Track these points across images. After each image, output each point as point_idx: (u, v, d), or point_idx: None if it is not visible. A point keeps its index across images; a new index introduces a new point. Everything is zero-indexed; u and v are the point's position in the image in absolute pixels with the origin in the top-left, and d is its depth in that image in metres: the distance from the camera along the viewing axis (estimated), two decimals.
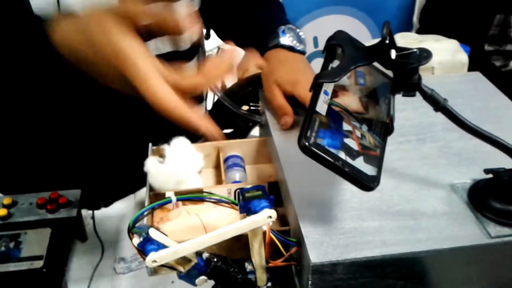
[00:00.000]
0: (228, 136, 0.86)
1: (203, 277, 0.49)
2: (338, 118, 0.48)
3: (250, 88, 0.79)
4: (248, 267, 0.52)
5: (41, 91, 0.75)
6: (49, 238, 0.63)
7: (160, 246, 0.45)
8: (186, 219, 0.61)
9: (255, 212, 0.47)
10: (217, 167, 0.76)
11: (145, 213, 0.51)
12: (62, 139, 0.81)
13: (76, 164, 0.81)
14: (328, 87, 0.49)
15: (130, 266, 0.69)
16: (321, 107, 0.47)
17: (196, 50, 0.84)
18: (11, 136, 0.84)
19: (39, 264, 0.60)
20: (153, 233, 0.46)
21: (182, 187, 0.64)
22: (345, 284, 0.49)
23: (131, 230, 0.46)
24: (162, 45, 0.78)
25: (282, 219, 0.61)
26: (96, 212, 0.79)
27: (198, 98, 0.97)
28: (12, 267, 0.60)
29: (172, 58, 0.80)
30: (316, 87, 0.49)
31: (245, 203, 0.49)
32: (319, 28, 0.75)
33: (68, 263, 0.62)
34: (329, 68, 0.51)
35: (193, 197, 0.54)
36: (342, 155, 0.44)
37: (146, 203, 0.61)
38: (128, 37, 0.43)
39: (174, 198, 0.52)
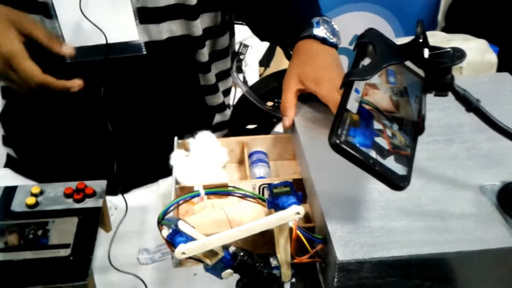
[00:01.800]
0: (252, 132, 0.86)
1: (229, 271, 0.50)
2: (369, 116, 0.48)
3: (275, 84, 0.79)
4: (273, 262, 0.52)
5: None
6: (76, 227, 0.65)
7: (189, 239, 0.46)
8: (211, 212, 0.62)
9: (283, 208, 0.47)
10: (241, 162, 0.76)
11: (171, 207, 0.51)
12: (90, 129, 0.82)
13: (101, 153, 0.82)
14: (359, 85, 0.49)
15: (153, 257, 0.70)
16: (352, 105, 0.47)
17: (208, 37, 0.84)
18: (42, 127, 0.86)
19: (66, 252, 0.61)
20: (182, 225, 0.46)
21: (207, 181, 0.65)
22: (371, 283, 0.49)
23: (160, 222, 0.47)
24: (176, 27, 0.79)
25: (305, 216, 0.61)
26: (119, 203, 0.81)
27: (225, 92, 0.98)
28: (40, 254, 0.61)
29: (184, 41, 0.80)
30: (347, 85, 0.49)
31: (273, 199, 0.49)
32: (342, 26, 0.75)
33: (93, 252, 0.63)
34: (360, 66, 0.51)
35: (220, 191, 0.55)
36: (373, 153, 0.44)
37: (173, 196, 0.61)
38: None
39: (202, 192, 0.52)
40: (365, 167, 0.44)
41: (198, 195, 0.52)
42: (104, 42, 0.73)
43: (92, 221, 0.66)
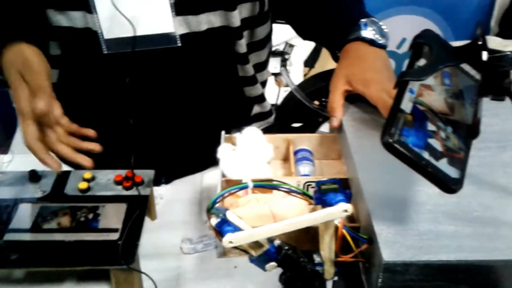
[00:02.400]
0: (297, 130, 0.86)
1: (273, 263, 0.50)
2: (423, 117, 0.47)
3: (323, 83, 0.79)
4: (317, 259, 0.52)
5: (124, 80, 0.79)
6: (125, 213, 0.67)
7: (236, 229, 0.47)
8: (256, 206, 0.63)
9: (330, 204, 0.48)
10: (285, 159, 0.77)
11: (220, 197, 0.52)
12: (127, 122, 0.84)
13: (149, 143, 0.84)
14: (414, 85, 0.49)
15: (196, 247, 0.71)
16: (406, 105, 0.47)
17: (246, 27, 0.84)
18: (89, 120, 0.89)
19: (115, 236, 0.64)
20: (230, 215, 0.47)
21: (252, 176, 0.65)
22: (416, 286, 0.48)
23: (209, 211, 0.48)
24: (215, 18, 0.79)
25: (349, 216, 0.61)
26: (164, 193, 0.83)
27: (263, 84, 0.98)
28: (90, 236, 0.64)
29: (223, 32, 0.81)
30: (401, 85, 0.48)
31: (320, 195, 0.49)
32: (391, 29, 0.74)
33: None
34: (415, 66, 0.50)
35: (267, 184, 0.55)
36: (425, 155, 0.44)
37: (219, 189, 0.63)
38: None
39: (251, 184, 0.53)
40: (417, 168, 0.43)
41: (246, 187, 0.53)
42: (139, 34, 0.75)
43: (140, 208, 0.68)
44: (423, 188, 0.54)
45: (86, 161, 0.67)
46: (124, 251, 0.62)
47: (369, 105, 0.68)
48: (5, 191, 0.70)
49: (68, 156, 0.66)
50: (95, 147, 0.68)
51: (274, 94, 1.41)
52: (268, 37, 0.93)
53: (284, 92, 1.13)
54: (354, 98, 0.71)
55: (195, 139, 0.87)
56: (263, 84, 0.98)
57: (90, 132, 0.69)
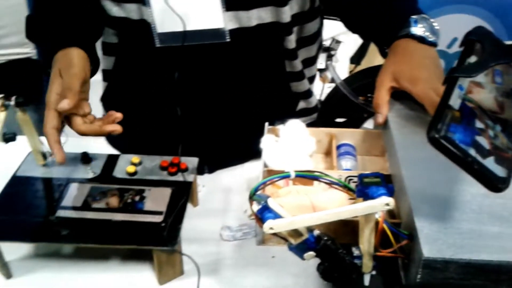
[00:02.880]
0: (341, 126, 0.86)
1: (311, 253, 0.51)
2: (472, 114, 0.46)
3: (369, 79, 0.79)
4: (355, 252, 0.53)
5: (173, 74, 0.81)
6: (169, 197, 0.69)
7: (277, 216, 0.48)
8: (296, 197, 0.64)
9: (372, 197, 0.48)
10: (327, 153, 0.77)
11: (262, 185, 0.54)
12: (188, 111, 0.86)
13: (195, 134, 0.87)
14: (464, 82, 0.48)
15: (235, 235, 0.73)
16: (455, 101, 0.46)
17: (296, 23, 0.84)
18: (139, 108, 0.92)
19: (159, 218, 0.66)
20: (271, 202, 0.49)
21: (293, 167, 0.66)
22: (456, 284, 0.48)
23: (252, 197, 0.49)
24: (265, 14, 0.80)
25: (390, 212, 0.61)
26: (206, 182, 0.85)
27: (311, 79, 0.97)
28: (135, 217, 0.67)
29: (273, 28, 0.81)
30: (450, 81, 0.48)
31: (362, 188, 0.49)
32: (443, 27, 0.72)
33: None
34: (466, 63, 0.50)
35: (309, 175, 0.56)
36: (472, 152, 0.43)
37: (261, 177, 0.64)
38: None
39: (293, 174, 0.54)
40: (463, 165, 0.43)
41: (288, 176, 0.54)
42: (190, 28, 0.77)
43: (183, 194, 0.70)
44: (467, 187, 0.54)
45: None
46: (168, 233, 0.64)
47: (415, 102, 0.67)
48: (59, 171, 0.75)
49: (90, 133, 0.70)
50: (115, 128, 0.69)
51: (318, 90, 1.42)
52: (318, 33, 0.93)
53: (328, 88, 1.12)
54: (399, 95, 0.71)
55: (240, 132, 0.88)
56: (311, 79, 0.98)
57: (114, 117, 0.71)
